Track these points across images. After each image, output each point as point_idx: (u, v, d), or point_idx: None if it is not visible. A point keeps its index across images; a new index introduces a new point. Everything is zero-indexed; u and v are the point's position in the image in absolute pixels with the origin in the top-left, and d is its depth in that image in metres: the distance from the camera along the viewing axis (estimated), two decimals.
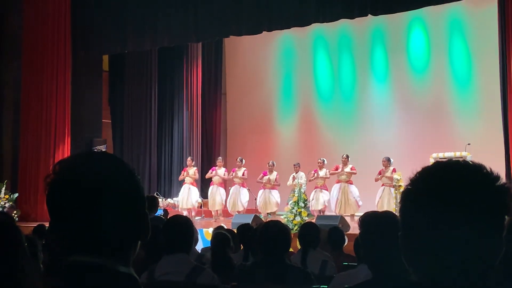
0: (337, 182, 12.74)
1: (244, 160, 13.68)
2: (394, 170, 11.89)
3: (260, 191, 13.29)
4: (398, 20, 14.35)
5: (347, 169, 12.59)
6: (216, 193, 13.55)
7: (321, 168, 12.88)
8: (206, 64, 17.04)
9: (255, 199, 13.42)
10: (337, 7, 11.57)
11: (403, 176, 11.50)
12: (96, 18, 13.74)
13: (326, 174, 12.85)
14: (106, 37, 13.77)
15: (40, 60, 13.60)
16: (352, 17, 11.91)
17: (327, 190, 12.80)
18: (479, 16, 14.01)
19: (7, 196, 12.66)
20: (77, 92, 13.98)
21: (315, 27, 14.06)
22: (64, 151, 13.36)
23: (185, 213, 13.28)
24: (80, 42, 13.94)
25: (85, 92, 14.39)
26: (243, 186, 13.46)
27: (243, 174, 13.47)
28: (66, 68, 13.73)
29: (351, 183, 12.64)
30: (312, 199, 12.64)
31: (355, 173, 12.60)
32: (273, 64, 17.01)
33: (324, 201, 12.66)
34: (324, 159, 13.04)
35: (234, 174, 13.54)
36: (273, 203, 13.06)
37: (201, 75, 16.81)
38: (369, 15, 11.64)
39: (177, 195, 15.33)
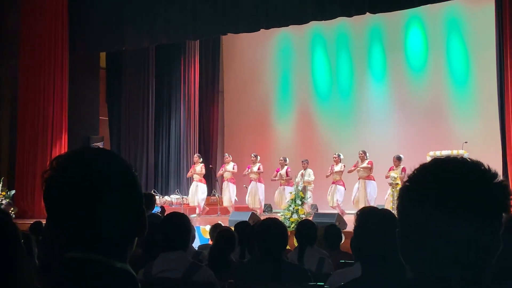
0: (359, 179, 12.69)
1: (258, 156, 13.74)
2: (404, 169, 11.76)
3: (279, 188, 13.42)
4: (396, 19, 14.36)
5: (364, 165, 12.49)
6: (226, 189, 13.66)
7: (337, 163, 12.87)
8: (203, 61, 17.02)
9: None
10: (335, 5, 11.56)
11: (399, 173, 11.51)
12: (94, 16, 13.70)
13: (341, 168, 12.81)
14: (104, 34, 13.73)
15: (37, 57, 13.57)
16: (350, 15, 11.90)
17: (343, 185, 12.78)
18: (476, 15, 14.02)
19: (4, 193, 12.64)
20: (74, 89, 13.96)
21: (313, 25, 14.05)
22: (61, 148, 13.34)
23: (197, 211, 13.47)
24: (77, 39, 13.91)
25: (83, 89, 14.38)
26: (260, 182, 13.56)
27: (258, 169, 13.56)
28: (63, 65, 13.70)
29: (371, 179, 12.49)
30: (329, 195, 12.69)
31: (369, 167, 12.45)
32: (271, 62, 17.01)
33: (337, 200, 12.65)
34: (340, 153, 12.99)
35: (250, 170, 13.59)
36: (285, 201, 13.10)
37: (199, 72, 16.79)
38: (367, 13, 11.64)
39: (174, 193, 15.38)
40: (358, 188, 12.52)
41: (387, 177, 11.99)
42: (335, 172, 12.81)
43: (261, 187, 13.49)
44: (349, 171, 12.78)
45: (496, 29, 10.99)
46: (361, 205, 12.17)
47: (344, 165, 12.87)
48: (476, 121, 13.88)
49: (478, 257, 1.15)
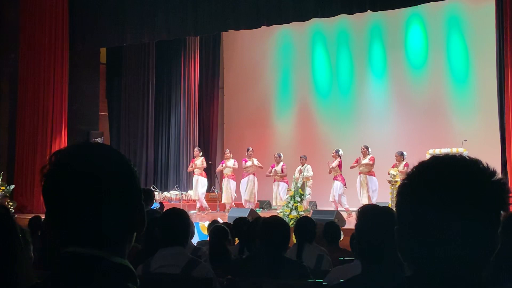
0: (359, 174, 12.69)
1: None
2: (406, 165, 11.75)
3: (273, 184, 13.47)
4: (397, 16, 14.34)
5: (365, 161, 12.53)
6: (227, 186, 13.70)
7: (334, 158, 12.91)
8: (204, 57, 17.01)
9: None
10: (336, 3, 11.54)
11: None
12: (94, 11, 13.68)
13: (337, 164, 12.84)
14: (104, 29, 13.71)
15: (37, 52, 13.55)
16: (351, 13, 11.89)
17: (340, 180, 12.77)
18: (477, 13, 14.02)
19: (3, 188, 12.64)
20: (74, 85, 13.95)
21: (314, 22, 14.03)
22: (61, 143, 13.33)
23: (197, 205, 13.61)
24: (77, 35, 13.89)
25: (82, 84, 14.37)
26: (255, 176, 13.70)
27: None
28: (63, 61, 13.69)
29: (372, 175, 12.52)
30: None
31: (371, 164, 12.49)
32: (271, 58, 16.99)
33: (333, 195, 12.66)
34: (338, 149, 13.00)
35: (250, 163, 13.69)
36: (279, 198, 13.12)
37: (199, 68, 16.79)
38: (368, 10, 11.63)
39: (173, 189, 15.38)
40: (361, 183, 12.53)
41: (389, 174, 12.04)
42: (332, 167, 12.81)
43: (256, 180, 13.57)
44: (351, 167, 12.79)
45: (496, 27, 10.98)
46: (364, 200, 12.21)
47: (340, 160, 12.86)
48: (476, 119, 13.88)
49: (476, 255, 1.15)
